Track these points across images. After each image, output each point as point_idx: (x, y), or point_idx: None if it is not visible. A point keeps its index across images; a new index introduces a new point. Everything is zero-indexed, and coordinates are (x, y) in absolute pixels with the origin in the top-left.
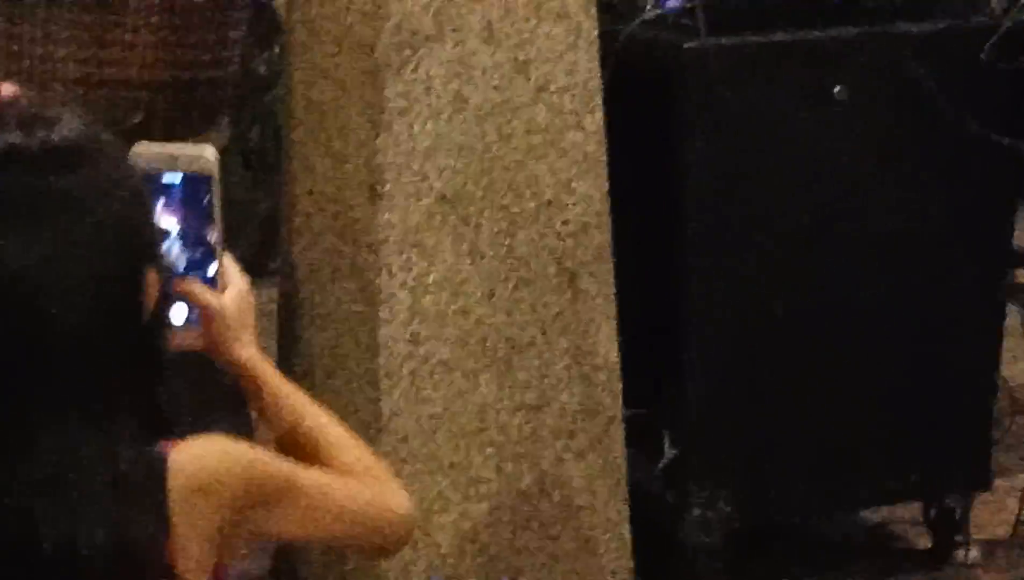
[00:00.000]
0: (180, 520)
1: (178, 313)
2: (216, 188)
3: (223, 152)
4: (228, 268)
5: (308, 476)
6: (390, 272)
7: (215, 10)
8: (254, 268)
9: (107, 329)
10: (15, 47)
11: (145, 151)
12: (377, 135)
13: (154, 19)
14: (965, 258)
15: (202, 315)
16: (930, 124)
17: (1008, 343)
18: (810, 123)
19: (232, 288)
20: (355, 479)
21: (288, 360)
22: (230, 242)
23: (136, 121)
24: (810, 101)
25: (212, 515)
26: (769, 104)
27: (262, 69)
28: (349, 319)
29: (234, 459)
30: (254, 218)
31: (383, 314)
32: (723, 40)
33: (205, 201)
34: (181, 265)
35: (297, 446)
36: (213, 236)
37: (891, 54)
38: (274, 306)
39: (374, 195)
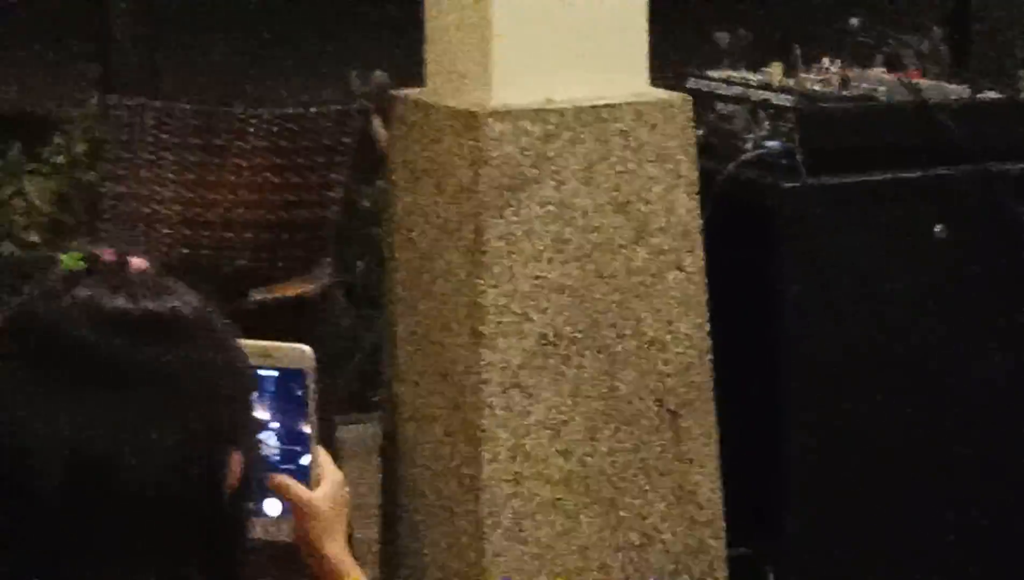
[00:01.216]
0: None
1: (272, 506)
2: (311, 383)
3: (327, 290)
4: (323, 461)
5: None
6: (492, 412)
7: (318, 152)
8: (357, 402)
9: (181, 505)
10: (122, 189)
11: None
12: (478, 277)
13: (258, 161)
14: None
15: (294, 511)
16: None
17: None
18: (910, 262)
19: (326, 483)
20: None
21: (391, 500)
22: (334, 373)
23: (241, 262)
24: (910, 240)
25: None
26: (869, 243)
27: (366, 203)
28: (451, 459)
29: None
30: (358, 351)
31: (485, 454)
32: (823, 180)
33: (300, 395)
34: (275, 458)
35: None
36: (308, 429)
37: (991, 193)
38: (377, 443)
39: (476, 336)
